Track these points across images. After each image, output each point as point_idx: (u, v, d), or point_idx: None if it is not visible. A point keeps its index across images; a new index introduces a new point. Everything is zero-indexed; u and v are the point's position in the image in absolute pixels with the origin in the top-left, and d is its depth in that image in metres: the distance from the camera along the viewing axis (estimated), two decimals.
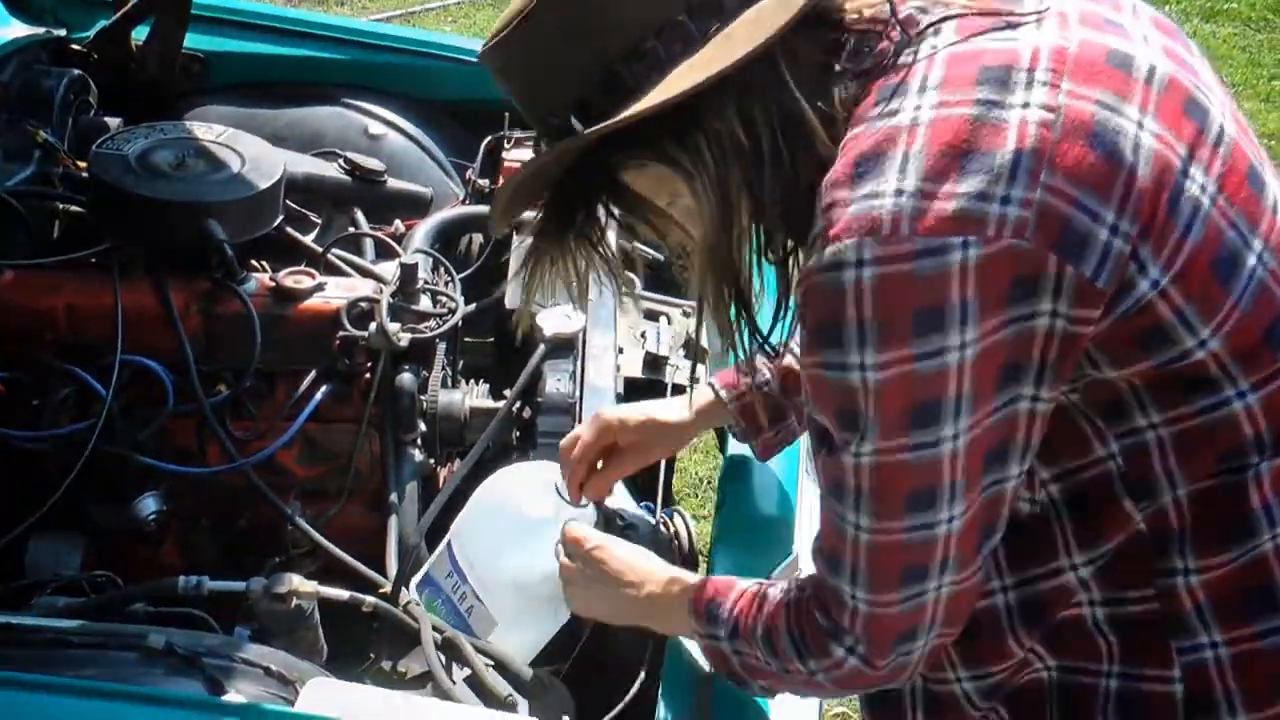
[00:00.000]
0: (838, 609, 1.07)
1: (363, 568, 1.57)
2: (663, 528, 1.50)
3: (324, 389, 1.69)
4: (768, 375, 1.42)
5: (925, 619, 1.05)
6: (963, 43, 0.98)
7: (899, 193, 0.92)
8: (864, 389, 0.96)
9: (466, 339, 1.98)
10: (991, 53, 0.97)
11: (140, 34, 2.20)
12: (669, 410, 1.47)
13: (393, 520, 1.63)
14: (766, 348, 1.16)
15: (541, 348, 1.64)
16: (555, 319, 1.66)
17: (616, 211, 1.12)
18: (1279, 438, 1.02)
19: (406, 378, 1.67)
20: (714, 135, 1.01)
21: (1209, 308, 0.97)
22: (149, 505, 1.63)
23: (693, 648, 1.28)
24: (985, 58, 0.96)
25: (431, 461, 1.74)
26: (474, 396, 1.78)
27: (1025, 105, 0.93)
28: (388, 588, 1.52)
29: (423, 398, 1.70)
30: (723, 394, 1.44)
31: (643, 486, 1.52)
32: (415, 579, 1.54)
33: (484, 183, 2.20)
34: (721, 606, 1.17)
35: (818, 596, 1.09)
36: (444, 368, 1.79)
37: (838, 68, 1.02)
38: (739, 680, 1.19)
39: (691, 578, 1.24)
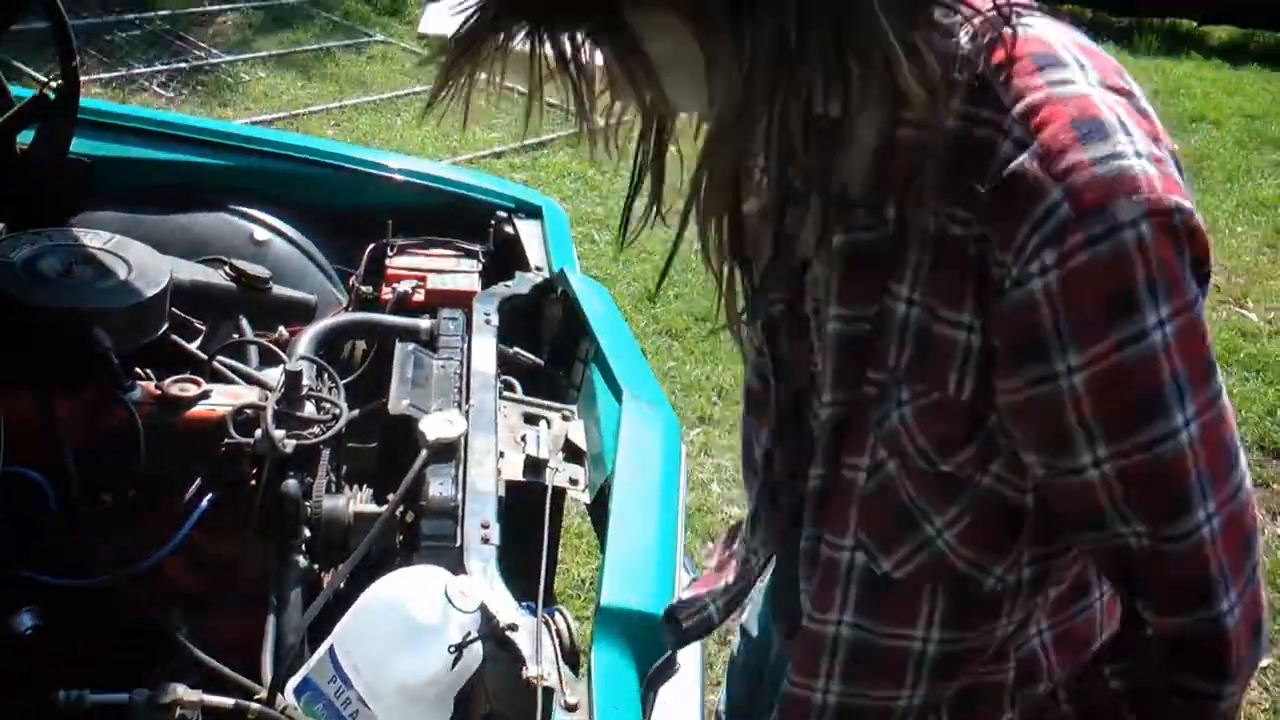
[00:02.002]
0: (1213, 639, 1.00)
1: (234, 674, 1.56)
2: (544, 627, 1.53)
3: (208, 497, 1.69)
4: None
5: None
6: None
7: (1138, 154, 0.89)
8: (1164, 349, 0.90)
9: (350, 444, 2.00)
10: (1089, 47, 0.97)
11: (26, 138, 2.20)
12: None
13: (270, 623, 1.62)
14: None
15: (424, 452, 1.67)
16: (437, 424, 1.69)
17: (599, 55, 0.94)
18: None
19: (291, 484, 1.68)
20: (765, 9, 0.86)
21: None
22: (25, 620, 1.61)
23: None
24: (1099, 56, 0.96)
25: (316, 567, 1.75)
26: (358, 502, 1.79)
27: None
28: (263, 693, 1.53)
29: (307, 504, 1.71)
30: None
31: (524, 588, 1.55)
32: (292, 682, 1.54)
33: (367, 289, 2.24)
34: None
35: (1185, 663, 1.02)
36: (328, 474, 1.81)
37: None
38: None
39: None
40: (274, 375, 1.83)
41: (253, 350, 1.99)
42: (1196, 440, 0.94)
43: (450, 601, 1.44)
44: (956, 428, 1.02)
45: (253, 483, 1.71)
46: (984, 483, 1.04)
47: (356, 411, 1.91)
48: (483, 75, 1.00)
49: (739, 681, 1.74)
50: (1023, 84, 0.92)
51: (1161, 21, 12.09)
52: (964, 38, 0.94)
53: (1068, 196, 0.88)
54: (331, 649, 1.50)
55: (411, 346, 1.95)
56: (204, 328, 2.05)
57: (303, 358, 1.86)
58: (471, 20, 0.94)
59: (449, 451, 1.70)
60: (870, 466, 1.09)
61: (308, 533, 1.71)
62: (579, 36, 0.92)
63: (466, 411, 1.79)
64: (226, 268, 2.08)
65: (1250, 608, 1.02)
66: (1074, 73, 0.93)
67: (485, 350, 1.96)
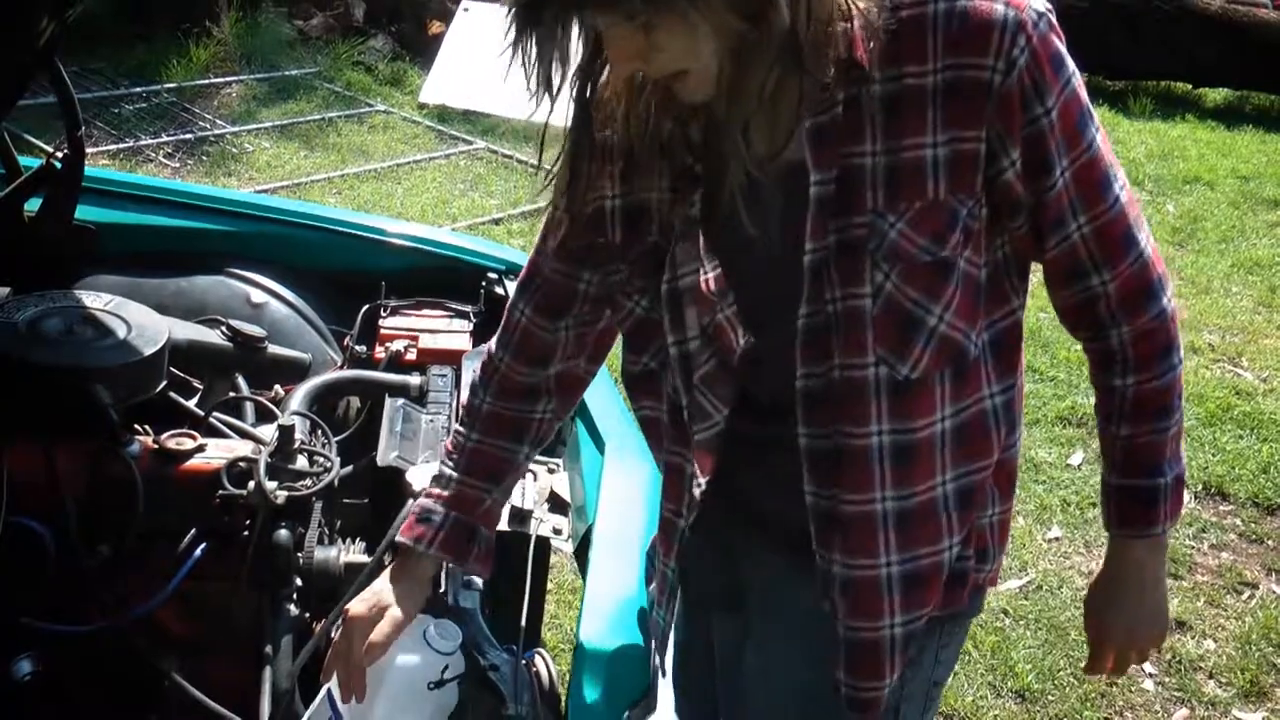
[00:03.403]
0: (1152, 272, 1.44)
1: (231, 715, 1.61)
2: (524, 668, 1.58)
3: (202, 547, 1.75)
4: (439, 509, 1.60)
5: None
6: None
7: None
8: (1080, 85, 1.35)
9: (344, 501, 2.06)
10: None
11: (33, 206, 2.28)
12: (400, 605, 1.55)
13: (267, 672, 1.67)
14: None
15: (410, 501, 1.72)
16: (424, 474, 1.75)
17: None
18: None
19: (283, 534, 1.74)
20: None
21: None
22: (24, 666, 1.66)
23: None
24: None
25: (307, 616, 1.80)
26: (349, 553, 1.85)
27: None
28: None
29: (299, 554, 1.76)
30: (418, 547, 1.59)
31: (508, 632, 1.60)
32: None
33: (361, 349, 2.31)
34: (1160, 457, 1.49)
35: (1139, 294, 1.43)
36: (320, 526, 1.86)
37: None
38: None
39: None
40: (269, 431, 1.89)
41: (248, 407, 2.05)
42: (1101, 144, 1.38)
43: (429, 645, 1.50)
44: (941, 220, 1.34)
45: (246, 533, 1.77)
46: (960, 265, 1.36)
47: (350, 468, 1.97)
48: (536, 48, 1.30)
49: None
50: None
51: (1156, 85, 12.21)
52: None
53: (1009, 6, 1.29)
54: (329, 692, 1.55)
55: (401, 402, 2.02)
56: (201, 386, 2.12)
57: (296, 413, 1.92)
58: None
59: None
60: (873, 292, 1.36)
61: (299, 582, 1.77)
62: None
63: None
64: (224, 328, 2.15)
65: (1151, 246, 1.46)
66: None
67: None
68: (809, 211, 1.35)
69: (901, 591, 1.45)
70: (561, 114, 1.37)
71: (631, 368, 1.59)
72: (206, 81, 8.05)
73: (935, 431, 1.42)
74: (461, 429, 1.67)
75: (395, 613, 1.53)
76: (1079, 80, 1.35)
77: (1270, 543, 4.15)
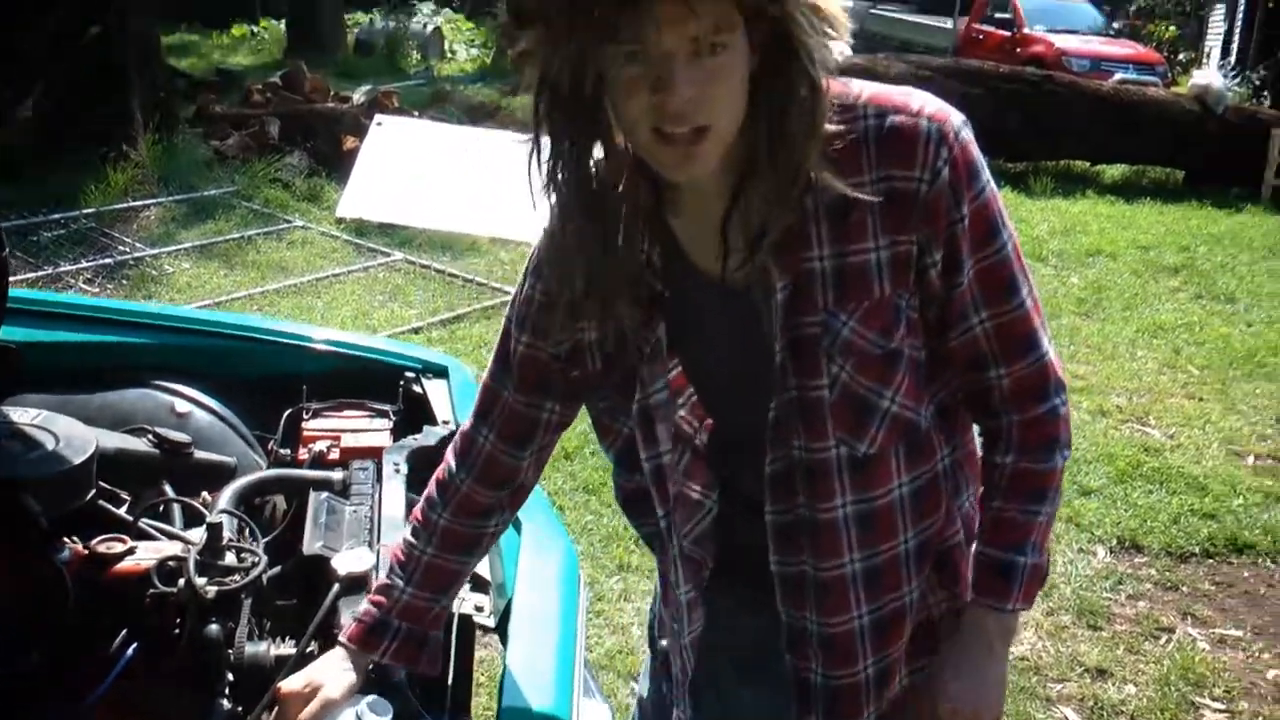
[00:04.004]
0: (1048, 375, 1.56)
1: None
2: None
3: (134, 646, 1.78)
4: (393, 621, 1.71)
5: None
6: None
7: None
8: (995, 193, 1.49)
9: (277, 603, 2.09)
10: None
11: None
12: (333, 686, 1.65)
13: None
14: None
15: (336, 586, 1.78)
16: (348, 560, 1.82)
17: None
18: None
19: (214, 629, 1.78)
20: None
21: None
22: None
23: None
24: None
25: (240, 710, 1.84)
26: (279, 647, 1.89)
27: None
28: None
29: (230, 650, 1.79)
30: (373, 656, 1.70)
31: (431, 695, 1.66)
32: None
33: (285, 452, 2.38)
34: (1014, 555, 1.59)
35: (1031, 391, 1.56)
36: (250, 621, 1.91)
37: None
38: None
39: None
40: (197, 534, 1.93)
41: (176, 511, 2.11)
42: (1013, 250, 1.52)
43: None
44: (888, 316, 1.49)
45: (177, 631, 1.81)
46: (906, 352, 1.51)
47: (278, 568, 2.02)
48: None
49: None
50: (851, 93, 1.45)
51: (1055, 164, 12.59)
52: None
53: (932, 122, 1.43)
54: None
55: (325, 495, 2.09)
56: (129, 498, 2.16)
57: (223, 511, 1.98)
58: None
59: (360, 585, 1.82)
60: (829, 383, 1.50)
61: (231, 677, 1.80)
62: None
63: (377, 550, 1.92)
64: (150, 436, 2.20)
65: (1054, 354, 1.58)
66: (866, 83, 1.48)
67: (395, 496, 2.09)
68: (776, 314, 1.48)
69: (873, 638, 1.60)
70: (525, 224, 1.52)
71: (627, 485, 1.73)
72: (125, 205, 8.12)
73: (894, 498, 1.57)
74: (415, 541, 1.76)
75: (329, 692, 1.61)
76: (994, 188, 1.49)
77: (1184, 589, 4.30)
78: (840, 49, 1.39)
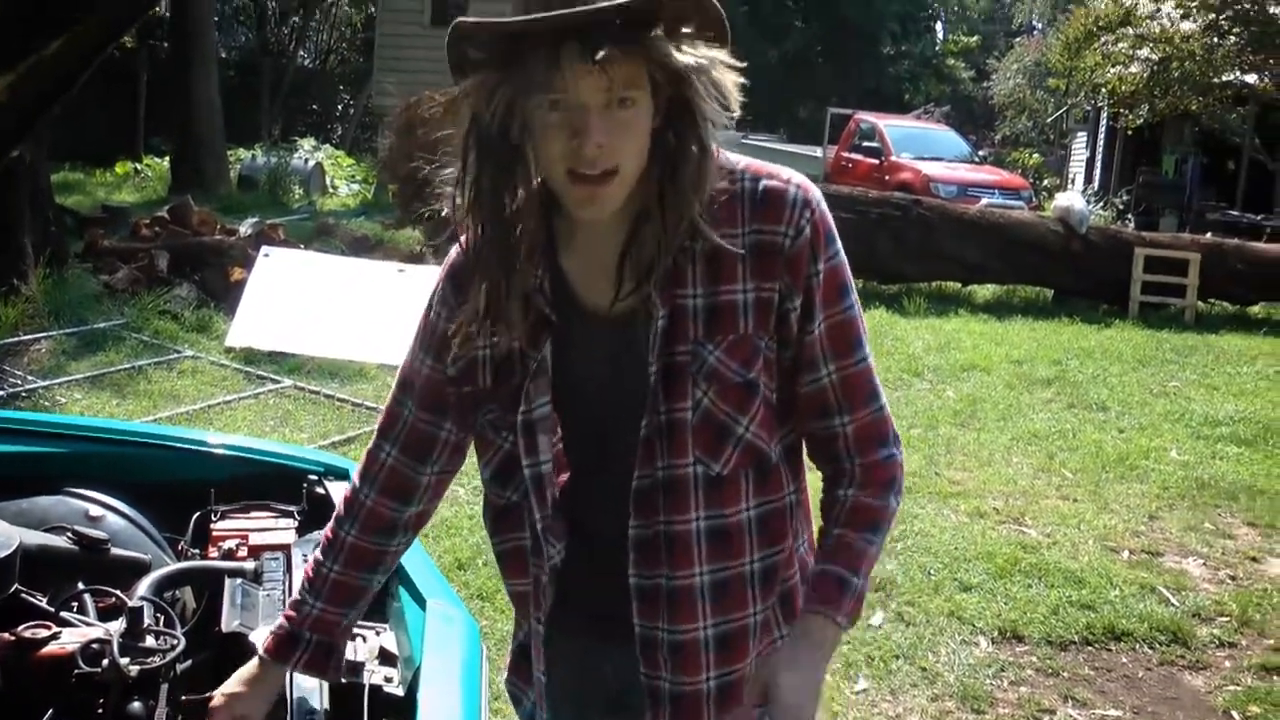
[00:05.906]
0: (887, 426, 1.78)
1: None
2: None
3: None
4: (304, 633, 1.90)
5: None
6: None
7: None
8: (844, 260, 1.72)
9: (190, 696, 2.17)
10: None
11: None
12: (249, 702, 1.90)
13: None
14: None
15: (254, 659, 1.90)
16: (265, 634, 1.93)
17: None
18: None
19: (136, 706, 1.87)
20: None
21: None
22: None
23: None
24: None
25: None
26: None
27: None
28: None
29: None
30: (285, 666, 1.91)
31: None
32: None
33: (195, 552, 2.48)
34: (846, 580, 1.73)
35: (871, 439, 1.77)
36: (168, 704, 2.00)
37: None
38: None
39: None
40: (116, 624, 2.03)
41: (90, 606, 2.20)
42: (858, 313, 1.75)
43: None
44: (749, 350, 1.69)
45: (100, 710, 1.90)
46: (761, 387, 1.71)
47: (189, 661, 2.10)
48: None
49: None
50: (734, 161, 1.70)
51: (928, 285, 13.01)
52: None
53: (799, 189, 1.69)
54: None
55: (239, 580, 2.20)
56: (45, 598, 2.25)
57: (143, 598, 2.08)
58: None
59: None
60: (693, 405, 1.70)
61: None
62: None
63: None
64: (69, 534, 2.30)
65: (888, 409, 1.80)
66: (745, 156, 1.73)
67: None
68: (654, 342, 1.69)
69: (716, 650, 1.76)
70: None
71: (497, 501, 1.86)
72: (15, 339, 8.10)
73: (743, 518, 1.75)
74: (324, 560, 1.92)
75: (245, 708, 1.86)
76: (844, 258, 1.74)
77: (1065, 674, 4.48)
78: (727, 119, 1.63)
